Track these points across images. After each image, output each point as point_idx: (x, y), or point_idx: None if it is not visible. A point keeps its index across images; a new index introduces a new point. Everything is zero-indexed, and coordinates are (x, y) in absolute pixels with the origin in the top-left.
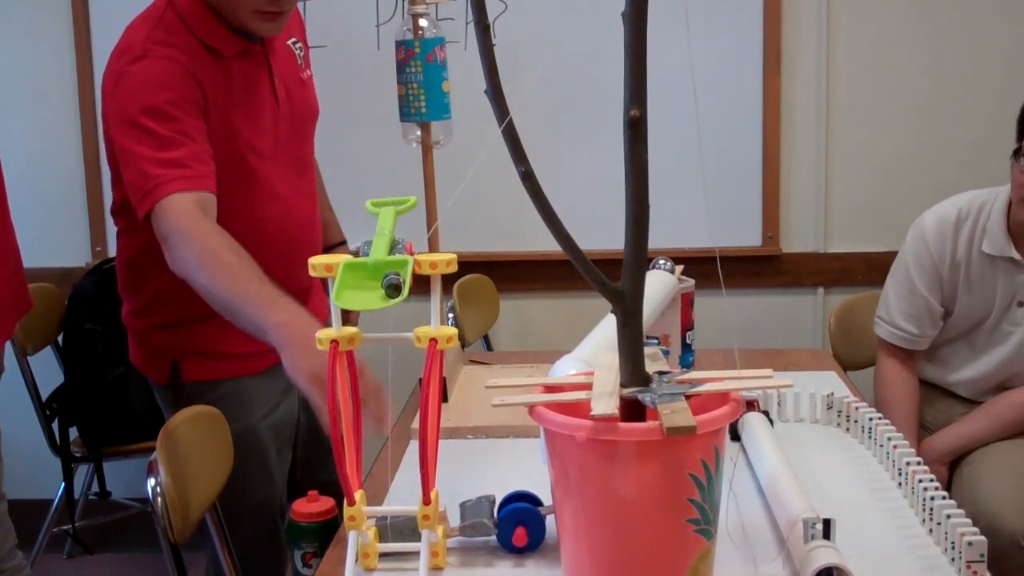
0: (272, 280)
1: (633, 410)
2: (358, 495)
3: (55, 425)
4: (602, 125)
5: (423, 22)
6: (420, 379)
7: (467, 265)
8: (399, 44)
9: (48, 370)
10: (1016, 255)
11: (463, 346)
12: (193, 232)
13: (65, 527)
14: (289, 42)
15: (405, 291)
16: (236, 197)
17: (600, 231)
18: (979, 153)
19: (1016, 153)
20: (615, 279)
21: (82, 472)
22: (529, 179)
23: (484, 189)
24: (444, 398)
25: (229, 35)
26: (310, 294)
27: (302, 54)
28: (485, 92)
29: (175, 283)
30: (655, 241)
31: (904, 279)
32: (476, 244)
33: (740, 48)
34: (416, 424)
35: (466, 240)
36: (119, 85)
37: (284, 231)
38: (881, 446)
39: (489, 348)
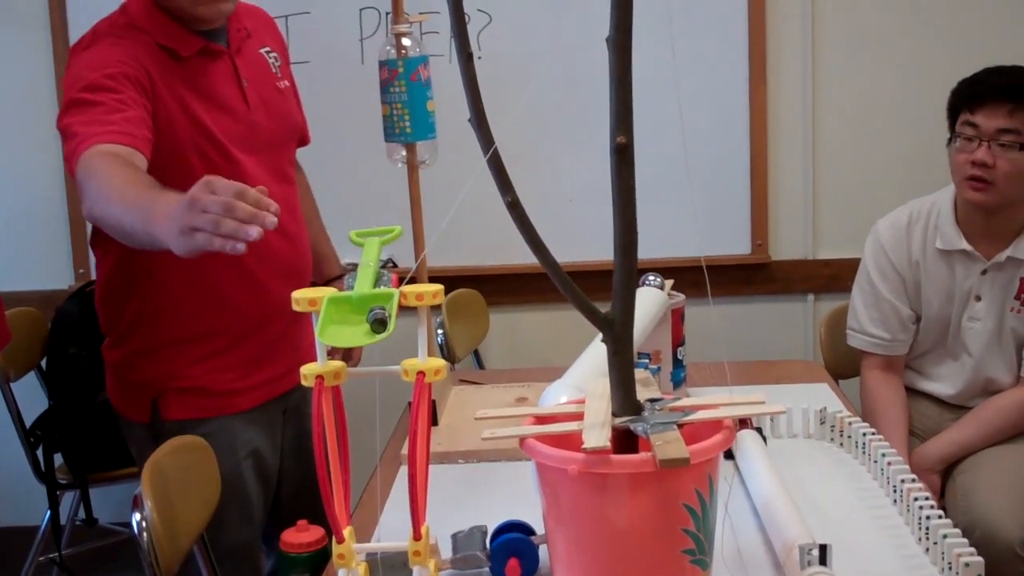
0: (265, 295)
1: (625, 439)
2: (347, 532)
3: (40, 451)
4: (589, 134)
5: (406, 41)
6: (409, 403)
7: (456, 280)
8: (382, 64)
9: (32, 396)
10: (967, 247)
11: (452, 363)
12: (97, 167)
13: (52, 555)
14: (262, 50)
15: (391, 326)
16: None
17: (588, 242)
18: None
19: (949, 141)
20: (605, 290)
21: (68, 499)
22: (515, 208)
23: (472, 203)
24: (434, 421)
25: (186, 35)
26: (301, 318)
27: (278, 64)
28: (469, 121)
29: (153, 304)
30: (643, 252)
31: (868, 286)
32: (464, 258)
33: (725, 56)
34: (406, 450)
35: (454, 254)
36: (65, 77)
37: (265, 244)
38: (875, 462)
39: (480, 363)
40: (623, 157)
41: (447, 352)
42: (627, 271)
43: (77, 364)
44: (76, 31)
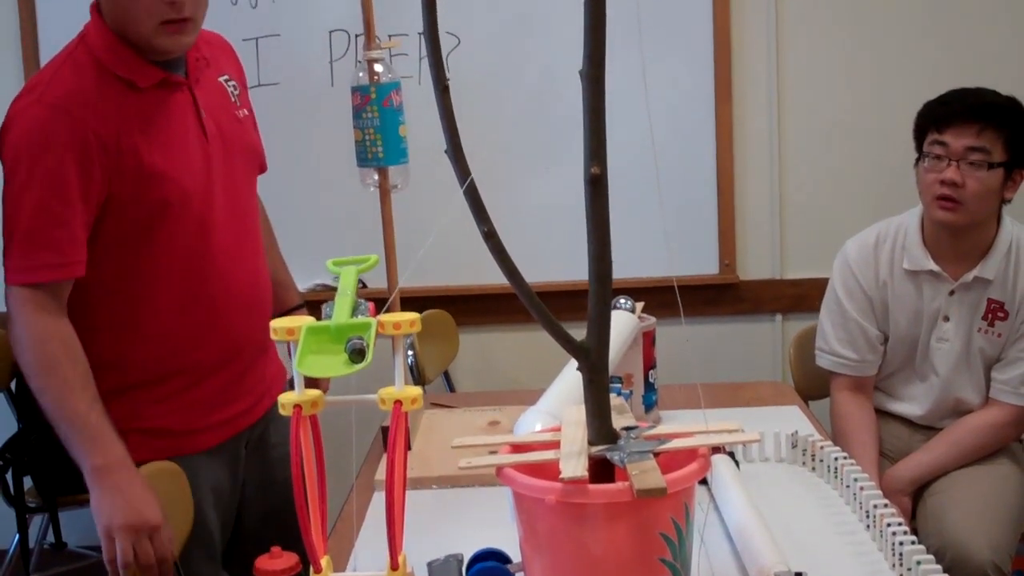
0: (229, 332)
1: (602, 468)
2: (324, 562)
3: (9, 475)
4: (557, 153)
5: (378, 67)
6: (383, 427)
7: (426, 300)
8: (355, 90)
9: (0, 418)
10: (935, 267)
11: (423, 384)
12: (36, 332)
13: None
14: (221, 79)
15: (369, 356)
16: (164, 239)
17: (555, 262)
18: None
19: (917, 160)
20: (573, 311)
21: (37, 522)
22: (492, 239)
23: (442, 222)
24: (407, 445)
25: (145, 66)
26: (266, 351)
27: (237, 92)
28: (446, 152)
29: (115, 351)
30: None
31: (836, 306)
32: (434, 279)
33: (690, 76)
34: (380, 475)
35: (424, 275)
36: (6, 130)
37: (228, 279)
38: (848, 487)
39: (450, 385)
40: (597, 187)
41: (417, 374)
42: (602, 299)
43: None
44: (47, 51)
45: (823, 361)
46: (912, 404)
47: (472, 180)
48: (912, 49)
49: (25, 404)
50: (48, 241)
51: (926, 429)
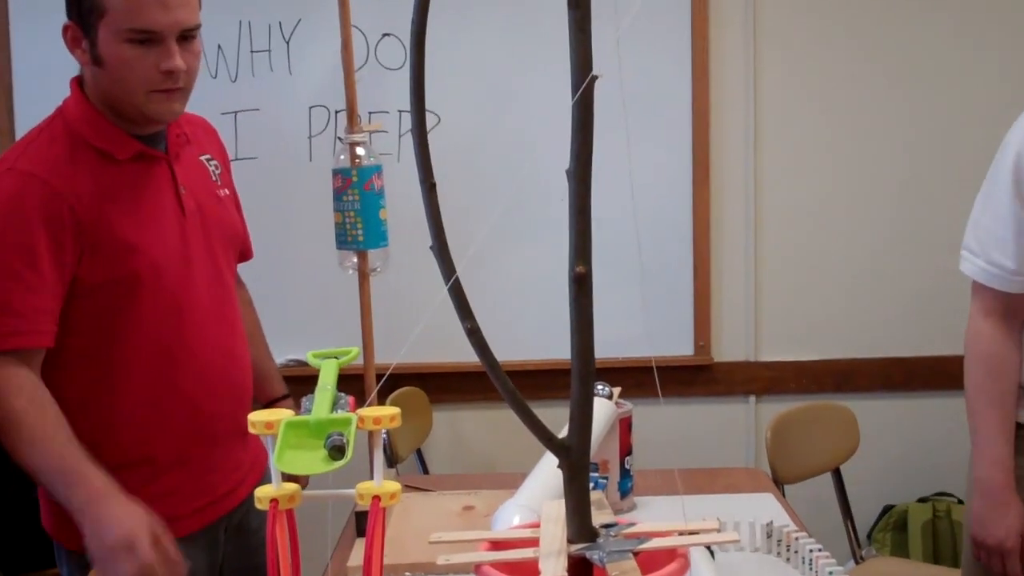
0: (204, 415)
1: (581, 566)
2: None
3: None
4: (536, 231)
5: (360, 150)
6: (356, 512)
7: (399, 377)
8: (336, 172)
9: None
10: None
11: (395, 464)
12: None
13: None
14: (202, 157)
15: (349, 453)
16: (136, 316)
17: (535, 339)
18: (908, 259)
19: None
20: (544, 389)
21: None
22: (475, 335)
23: (416, 298)
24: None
25: (123, 138)
26: (246, 435)
27: (219, 171)
28: (431, 248)
29: (90, 430)
30: None
31: (1001, 194)
32: (408, 355)
33: (669, 159)
34: (352, 562)
35: (398, 351)
36: None
37: (203, 361)
38: None
39: (423, 465)
40: (582, 286)
41: (390, 453)
42: (584, 398)
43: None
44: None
45: (969, 267)
46: None
47: (457, 278)
48: (891, 134)
49: None
50: (16, 308)
51: None
